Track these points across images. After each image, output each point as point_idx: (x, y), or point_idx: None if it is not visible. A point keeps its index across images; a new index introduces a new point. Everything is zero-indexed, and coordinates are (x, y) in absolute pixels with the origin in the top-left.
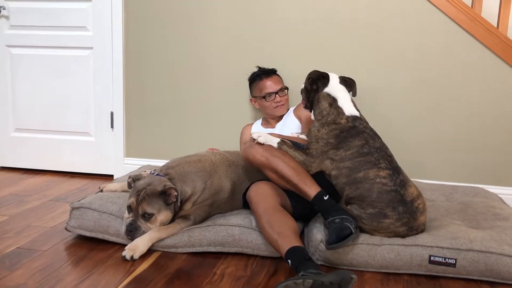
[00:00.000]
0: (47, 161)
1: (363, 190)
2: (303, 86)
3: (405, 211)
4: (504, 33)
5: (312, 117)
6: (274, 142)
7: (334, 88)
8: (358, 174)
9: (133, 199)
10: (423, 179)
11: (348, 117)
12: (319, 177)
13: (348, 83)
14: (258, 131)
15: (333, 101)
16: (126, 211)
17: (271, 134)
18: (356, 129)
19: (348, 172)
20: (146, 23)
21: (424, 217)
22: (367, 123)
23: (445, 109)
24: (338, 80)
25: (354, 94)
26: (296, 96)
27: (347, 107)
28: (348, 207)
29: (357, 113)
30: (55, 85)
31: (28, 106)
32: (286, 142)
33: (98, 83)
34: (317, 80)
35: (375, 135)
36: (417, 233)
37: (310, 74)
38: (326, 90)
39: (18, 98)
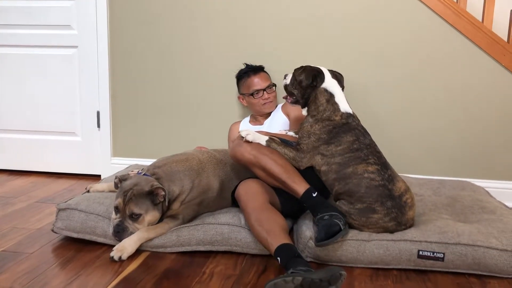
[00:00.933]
0: (33, 162)
1: (351, 186)
2: (286, 81)
3: (393, 205)
4: (489, 27)
5: (304, 113)
6: (263, 140)
7: (330, 83)
8: (347, 169)
9: (120, 200)
10: (410, 173)
11: (342, 113)
12: (308, 174)
13: (338, 77)
14: (247, 128)
15: (330, 97)
16: (113, 212)
17: (259, 131)
18: (349, 126)
19: (337, 168)
20: (132, 21)
21: (413, 212)
22: (359, 120)
23: (432, 104)
24: (331, 74)
25: (343, 88)
26: (284, 93)
27: (342, 103)
28: (338, 203)
29: (350, 111)
30: (40, 85)
31: (12, 106)
32: (275, 140)
33: (84, 82)
34: (316, 76)
35: (365, 132)
36: (405, 228)
37: (305, 69)
38: (324, 85)
39: (1, 98)
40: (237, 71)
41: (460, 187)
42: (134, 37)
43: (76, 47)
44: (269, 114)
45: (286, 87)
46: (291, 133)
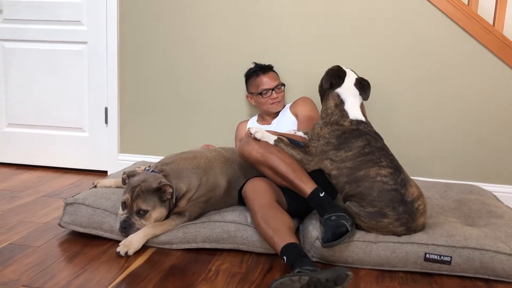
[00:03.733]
0: (40, 157)
1: (363, 189)
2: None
3: (405, 211)
4: (500, 31)
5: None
6: (271, 139)
7: (346, 90)
8: (359, 172)
9: (127, 196)
10: (418, 176)
11: (352, 120)
12: (315, 174)
13: (363, 85)
14: (255, 127)
15: (340, 102)
16: (121, 208)
17: (267, 131)
18: (359, 131)
19: (349, 172)
20: (141, 18)
21: (424, 218)
22: (371, 127)
23: (441, 107)
24: (354, 81)
25: (365, 98)
26: (292, 93)
27: (352, 111)
28: (347, 203)
29: (362, 118)
30: (49, 80)
31: (21, 101)
32: (283, 140)
33: (93, 78)
34: (332, 77)
35: (378, 137)
36: (414, 233)
37: (330, 69)
38: (338, 90)
39: (11, 93)
40: (245, 70)
41: (467, 190)
42: (143, 33)
43: (85, 43)
44: (277, 114)
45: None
46: (300, 133)
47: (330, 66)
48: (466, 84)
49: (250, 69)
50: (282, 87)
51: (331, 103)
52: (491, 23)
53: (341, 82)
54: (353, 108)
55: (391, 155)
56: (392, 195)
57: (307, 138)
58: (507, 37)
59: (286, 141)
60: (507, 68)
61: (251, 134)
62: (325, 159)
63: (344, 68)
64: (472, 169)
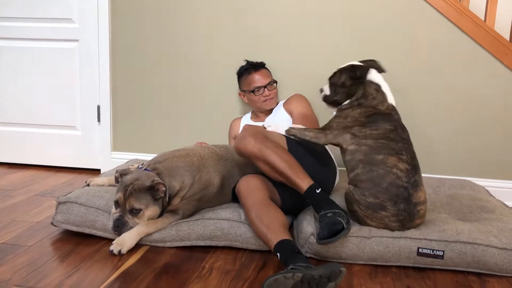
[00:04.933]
0: (32, 156)
1: (375, 175)
2: (325, 92)
3: (405, 209)
4: (492, 26)
5: (343, 104)
6: (282, 129)
7: (375, 75)
8: (377, 156)
9: (120, 194)
10: None
11: (388, 105)
12: (310, 171)
13: (374, 65)
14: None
15: (378, 87)
16: (113, 206)
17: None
18: (390, 116)
19: (368, 150)
20: (133, 15)
21: (420, 221)
22: (399, 115)
23: (432, 102)
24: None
25: (383, 71)
26: (285, 90)
27: (389, 94)
28: (350, 188)
29: (394, 103)
30: (40, 78)
31: (12, 99)
32: (294, 127)
33: (84, 76)
34: (359, 70)
35: (404, 128)
36: (407, 230)
37: (342, 70)
38: (369, 77)
39: (1, 91)
40: (238, 67)
41: (459, 185)
42: (135, 31)
43: (77, 40)
44: (270, 111)
45: (326, 98)
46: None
47: (320, 63)
48: (457, 80)
49: (242, 66)
50: (275, 84)
51: (371, 90)
52: (483, 18)
53: (365, 70)
54: (388, 90)
55: (413, 152)
56: (400, 191)
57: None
58: (498, 32)
59: (297, 127)
60: (498, 63)
61: (265, 128)
62: (346, 132)
63: (351, 62)
64: (465, 164)
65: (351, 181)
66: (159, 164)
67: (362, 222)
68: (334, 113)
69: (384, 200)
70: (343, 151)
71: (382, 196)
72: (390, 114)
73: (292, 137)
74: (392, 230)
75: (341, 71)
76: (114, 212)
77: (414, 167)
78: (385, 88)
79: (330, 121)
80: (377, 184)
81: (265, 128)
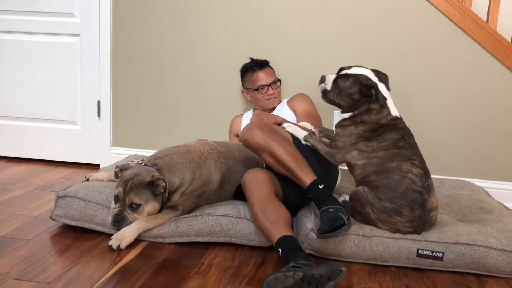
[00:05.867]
0: (32, 150)
1: (391, 181)
2: (326, 86)
3: (420, 216)
4: (494, 27)
5: (345, 115)
6: (301, 135)
7: (382, 89)
8: (390, 163)
9: (120, 189)
10: None
11: (392, 117)
12: (315, 167)
13: (383, 79)
14: (287, 123)
15: (384, 103)
16: (113, 201)
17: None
18: (395, 126)
19: (380, 161)
20: (135, 10)
21: (429, 227)
22: (405, 123)
23: (432, 103)
24: (376, 78)
25: (389, 89)
26: (288, 89)
27: (393, 108)
28: (364, 189)
29: (398, 114)
30: (41, 72)
31: (12, 93)
32: (312, 136)
33: (85, 71)
34: (371, 89)
35: (411, 134)
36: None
37: (356, 80)
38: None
39: (1, 85)
40: (240, 64)
41: (459, 186)
42: (137, 26)
43: (78, 35)
44: (273, 109)
45: (325, 93)
46: (309, 125)
47: (324, 62)
48: (458, 81)
49: (246, 64)
50: (278, 83)
51: (375, 106)
52: (485, 19)
53: (377, 88)
54: (391, 104)
55: (421, 156)
56: (417, 196)
57: (315, 131)
58: (500, 33)
59: (316, 137)
60: (499, 64)
61: (284, 128)
62: (352, 150)
63: (365, 70)
64: (464, 165)
65: (361, 184)
66: (160, 160)
67: (371, 224)
68: (335, 129)
69: (401, 206)
70: (352, 167)
71: (399, 201)
72: (395, 125)
73: (309, 144)
74: (402, 234)
75: (354, 81)
76: (114, 207)
77: (425, 171)
78: (390, 103)
79: (336, 140)
80: (394, 189)
81: (284, 128)
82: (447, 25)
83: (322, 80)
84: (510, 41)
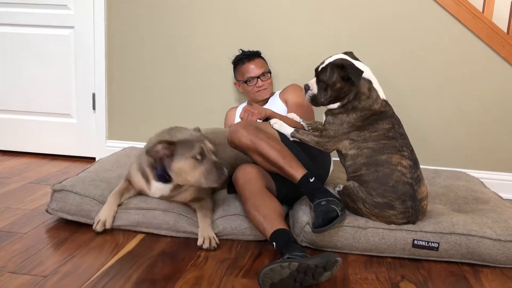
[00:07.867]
0: (27, 143)
1: (381, 174)
2: (313, 91)
3: (412, 206)
4: (489, 18)
5: (334, 106)
6: (288, 131)
7: (364, 70)
8: (381, 156)
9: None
10: None
11: (382, 101)
12: (304, 161)
13: (358, 59)
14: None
15: (369, 84)
16: (199, 157)
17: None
18: (386, 114)
19: (370, 153)
20: (129, 2)
21: (423, 216)
22: (393, 110)
23: (428, 93)
24: (353, 60)
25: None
26: (281, 80)
27: (379, 89)
28: (353, 184)
29: (385, 97)
30: (35, 65)
31: (6, 86)
32: (299, 130)
33: (80, 63)
34: (354, 70)
35: (400, 122)
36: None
37: (334, 66)
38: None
39: None
40: (234, 56)
41: (455, 177)
42: (131, 18)
43: (72, 27)
44: (266, 101)
45: (315, 98)
46: (297, 118)
47: (318, 52)
48: (454, 71)
49: (237, 56)
50: (269, 74)
51: (363, 88)
52: (480, 9)
53: (359, 69)
54: (378, 85)
55: (411, 146)
56: (407, 188)
57: (303, 124)
58: (495, 24)
59: (302, 130)
60: (495, 55)
61: (271, 124)
62: (344, 139)
63: (338, 55)
64: (460, 155)
65: (352, 178)
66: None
67: (365, 217)
68: (324, 116)
69: (392, 200)
70: (343, 156)
71: (390, 195)
72: (385, 112)
73: (297, 139)
74: (396, 225)
75: (331, 68)
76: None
77: (414, 162)
78: (376, 83)
79: (327, 129)
80: (384, 183)
81: (271, 124)
82: (442, 15)
83: (306, 88)
84: (505, 32)
